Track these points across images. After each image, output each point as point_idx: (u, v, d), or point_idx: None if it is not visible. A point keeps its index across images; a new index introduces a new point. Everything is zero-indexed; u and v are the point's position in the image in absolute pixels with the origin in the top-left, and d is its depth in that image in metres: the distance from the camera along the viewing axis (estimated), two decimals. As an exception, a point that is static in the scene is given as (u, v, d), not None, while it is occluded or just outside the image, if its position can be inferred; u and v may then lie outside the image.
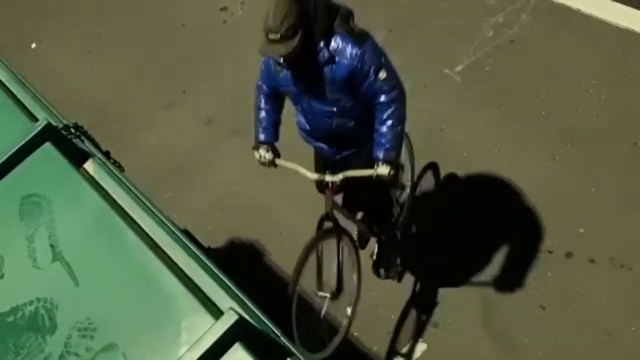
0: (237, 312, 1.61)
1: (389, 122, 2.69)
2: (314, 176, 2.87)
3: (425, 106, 4.27)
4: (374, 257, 3.57)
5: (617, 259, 3.44)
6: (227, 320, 1.59)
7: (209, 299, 1.75)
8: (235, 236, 4.20)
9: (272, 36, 2.49)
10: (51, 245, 1.92)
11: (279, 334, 1.74)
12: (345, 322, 3.23)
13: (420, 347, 3.50)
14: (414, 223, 3.84)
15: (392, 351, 3.54)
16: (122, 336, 1.71)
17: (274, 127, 2.94)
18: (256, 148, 2.95)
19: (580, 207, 3.65)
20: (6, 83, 2.48)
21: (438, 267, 3.72)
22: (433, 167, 3.97)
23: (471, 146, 4.05)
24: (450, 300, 3.58)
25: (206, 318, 1.66)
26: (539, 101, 4.09)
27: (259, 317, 1.76)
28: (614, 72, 4.04)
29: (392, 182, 2.84)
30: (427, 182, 3.99)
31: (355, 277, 3.23)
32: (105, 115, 4.99)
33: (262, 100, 2.93)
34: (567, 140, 3.89)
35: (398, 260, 3.64)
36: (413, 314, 3.62)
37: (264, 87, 2.92)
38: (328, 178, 2.84)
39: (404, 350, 3.51)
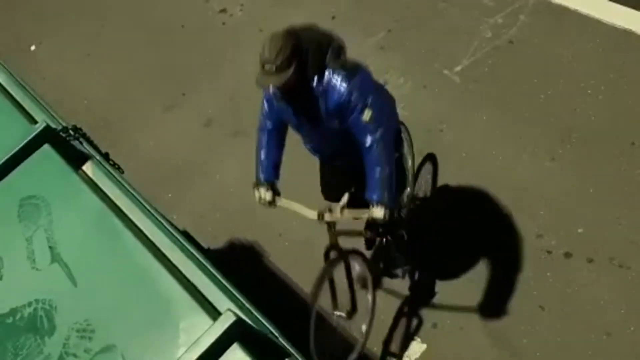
0: (235, 313, 1.62)
1: (378, 166, 2.75)
2: (314, 216, 2.92)
3: (425, 107, 4.28)
4: (382, 260, 3.62)
5: (616, 258, 3.44)
6: (225, 321, 1.60)
7: (207, 300, 1.76)
8: (234, 237, 4.20)
9: (267, 67, 2.58)
10: (50, 247, 1.93)
11: (277, 335, 1.75)
12: (360, 340, 3.33)
13: (420, 348, 3.50)
14: (414, 224, 3.85)
15: (392, 352, 3.54)
16: (121, 337, 1.72)
17: (274, 167, 2.99)
18: (256, 186, 3.00)
19: (579, 207, 3.65)
20: (5, 85, 2.49)
21: (437, 267, 3.72)
22: (431, 158, 4.01)
23: (470, 147, 4.05)
24: (450, 300, 3.58)
25: (204, 319, 1.67)
26: (537, 101, 4.09)
27: (257, 317, 1.77)
28: (612, 73, 4.05)
29: (389, 222, 2.88)
30: (427, 180, 4.00)
31: (369, 295, 3.33)
32: (105, 117, 5.00)
33: (265, 139, 2.97)
34: (566, 141, 3.89)
35: (405, 259, 3.68)
36: (412, 314, 3.62)
37: (267, 123, 2.96)
38: (327, 218, 2.91)
39: (404, 350, 3.52)
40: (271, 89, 2.69)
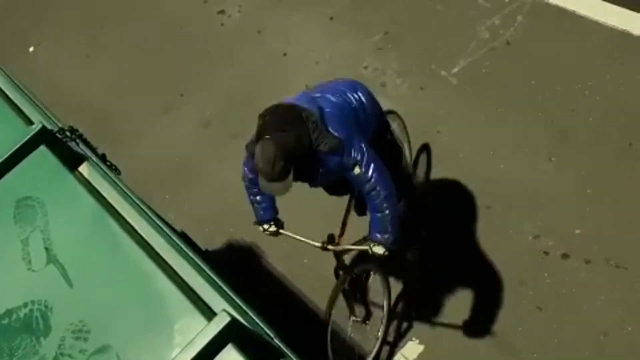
0: (229, 314, 1.62)
1: (378, 211, 2.91)
2: (318, 245, 3.08)
3: (422, 108, 4.28)
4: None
5: (612, 259, 3.45)
6: (220, 322, 1.59)
7: (202, 300, 1.75)
8: (232, 238, 4.21)
9: (268, 178, 2.73)
10: (46, 248, 1.93)
11: (272, 335, 1.75)
12: (376, 344, 3.50)
13: (418, 348, 3.51)
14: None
15: (390, 352, 3.55)
16: (116, 338, 1.72)
17: (272, 205, 3.14)
18: (259, 224, 3.17)
19: (576, 208, 3.65)
20: (2, 86, 2.49)
21: (434, 268, 3.72)
22: (426, 148, 4.12)
23: (467, 148, 4.05)
24: (447, 301, 3.59)
25: (199, 320, 1.67)
26: (534, 102, 4.10)
27: (252, 318, 1.77)
28: (610, 73, 4.05)
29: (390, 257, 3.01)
30: (422, 169, 4.04)
31: (385, 301, 3.49)
32: (103, 118, 5.00)
33: (254, 190, 3.09)
34: (563, 142, 3.89)
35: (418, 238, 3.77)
36: (410, 315, 3.63)
37: (256, 178, 2.96)
38: (330, 248, 3.09)
39: (401, 351, 3.52)
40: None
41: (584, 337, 3.27)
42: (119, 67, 5.43)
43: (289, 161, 2.69)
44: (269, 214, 3.14)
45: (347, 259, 3.29)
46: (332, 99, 2.96)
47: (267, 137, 2.71)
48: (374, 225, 2.94)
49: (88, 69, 5.54)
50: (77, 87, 5.38)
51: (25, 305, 1.84)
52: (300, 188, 3.15)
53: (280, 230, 3.14)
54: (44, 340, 1.77)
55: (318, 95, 2.98)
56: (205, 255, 3.68)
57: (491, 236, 3.71)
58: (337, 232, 3.21)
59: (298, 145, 2.72)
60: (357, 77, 4.53)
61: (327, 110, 2.87)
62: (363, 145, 2.86)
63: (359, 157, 2.83)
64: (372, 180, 2.84)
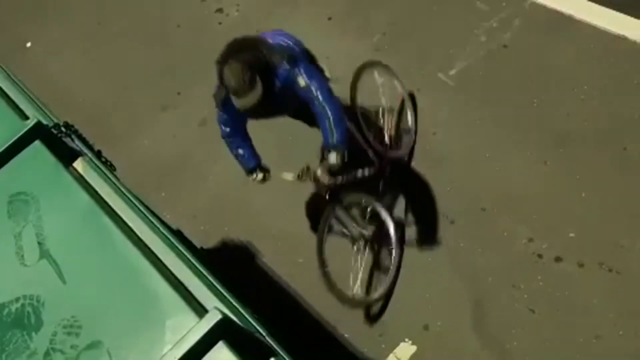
0: (221, 312, 1.63)
1: (322, 117, 3.17)
2: (292, 177, 3.46)
3: (419, 110, 4.29)
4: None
5: (606, 263, 3.46)
6: (211, 319, 1.60)
7: (194, 298, 1.76)
8: (228, 237, 4.21)
9: (240, 93, 3.09)
10: (39, 243, 1.93)
11: (264, 334, 1.76)
12: (390, 272, 3.72)
13: (410, 350, 3.51)
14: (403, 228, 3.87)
15: (382, 353, 3.55)
16: (107, 334, 1.72)
17: (253, 153, 3.53)
18: (249, 173, 3.55)
19: (571, 211, 3.66)
20: (-3, 81, 2.49)
21: (428, 269, 3.73)
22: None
23: (463, 150, 4.06)
24: (440, 302, 3.59)
25: (191, 317, 1.67)
26: (531, 106, 4.10)
27: (244, 316, 1.78)
28: (605, 78, 4.06)
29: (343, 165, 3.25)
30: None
31: (390, 229, 3.73)
32: (100, 115, 5.00)
33: (236, 140, 3.49)
34: (559, 145, 3.90)
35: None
36: (403, 316, 3.63)
37: (231, 130, 3.45)
38: (305, 177, 3.41)
39: (394, 352, 3.53)
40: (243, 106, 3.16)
41: (576, 340, 3.28)
42: (116, 64, 5.43)
43: (254, 71, 3.06)
44: (253, 161, 3.50)
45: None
46: (283, 41, 3.38)
47: (231, 60, 3.09)
48: (323, 134, 3.17)
49: (86, 66, 5.53)
50: (75, 84, 5.38)
51: (17, 299, 1.84)
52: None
53: (266, 177, 3.52)
54: (35, 335, 1.77)
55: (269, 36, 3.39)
56: (200, 253, 3.69)
57: (485, 238, 3.71)
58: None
59: (257, 59, 3.12)
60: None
61: (278, 45, 3.29)
62: (306, 62, 3.29)
63: (302, 70, 3.19)
64: (313, 89, 3.16)
